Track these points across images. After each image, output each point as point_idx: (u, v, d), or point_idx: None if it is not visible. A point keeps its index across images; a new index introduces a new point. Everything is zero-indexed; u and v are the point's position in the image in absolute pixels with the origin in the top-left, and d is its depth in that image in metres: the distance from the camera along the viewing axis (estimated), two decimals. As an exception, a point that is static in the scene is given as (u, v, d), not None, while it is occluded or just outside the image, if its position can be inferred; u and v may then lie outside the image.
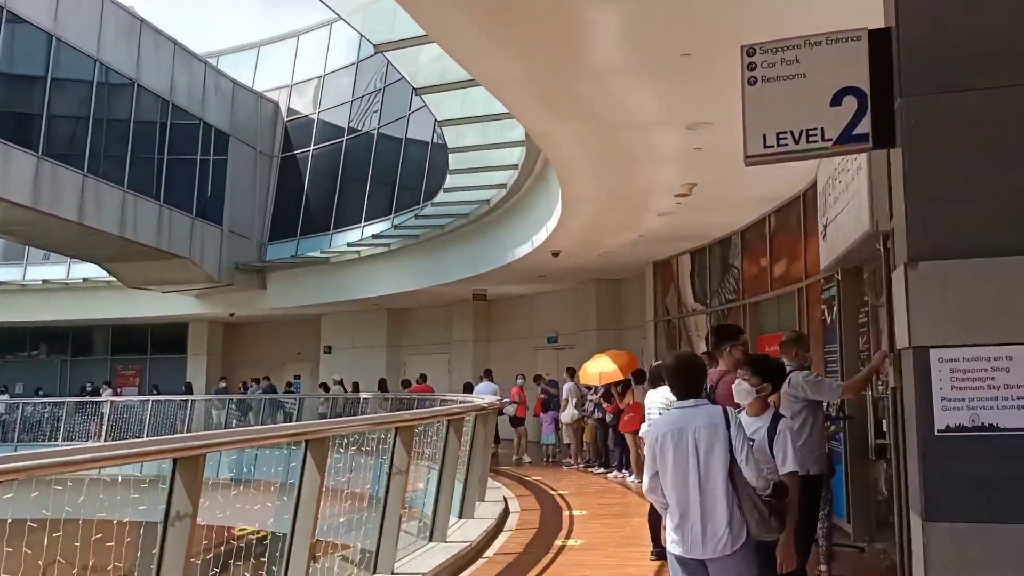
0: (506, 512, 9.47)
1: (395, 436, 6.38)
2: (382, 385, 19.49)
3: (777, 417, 4.25)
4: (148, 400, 21.85)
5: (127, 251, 19.03)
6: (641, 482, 11.29)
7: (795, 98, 3.52)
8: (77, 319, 25.06)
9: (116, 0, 18.15)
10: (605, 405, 13.22)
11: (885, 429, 6.66)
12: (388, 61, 10.69)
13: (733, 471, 3.62)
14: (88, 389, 24.30)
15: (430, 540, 7.32)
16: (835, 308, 8.02)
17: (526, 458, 15.90)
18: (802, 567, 4.50)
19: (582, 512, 9.67)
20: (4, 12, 15.16)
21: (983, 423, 2.94)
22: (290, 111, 23.75)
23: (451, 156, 12.70)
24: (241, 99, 22.47)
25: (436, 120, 11.17)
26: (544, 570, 6.82)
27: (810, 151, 3.54)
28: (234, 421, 20.68)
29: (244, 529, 5.59)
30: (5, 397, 23.26)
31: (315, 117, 23.25)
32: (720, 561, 3.60)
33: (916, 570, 3.09)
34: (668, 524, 3.78)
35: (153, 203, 19.15)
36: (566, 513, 9.66)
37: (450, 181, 13.99)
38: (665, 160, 8.37)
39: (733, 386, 4.38)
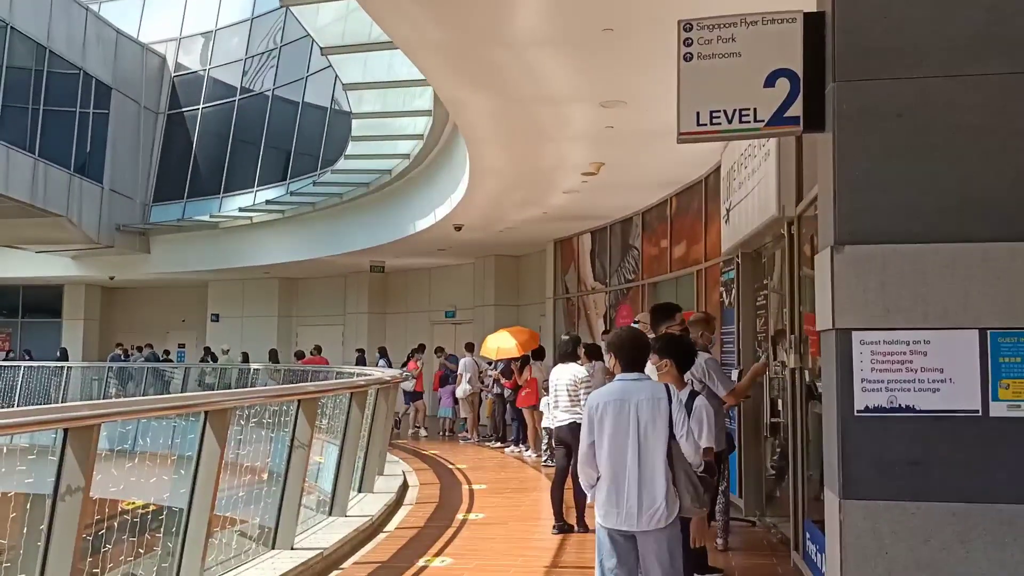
0: (405, 486, 9.40)
1: (298, 409, 6.17)
2: (273, 356, 18.94)
3: (694, 394, 4.31)
4: (19, 365, 20.50)
5: (-4, 206, 17.71)
6: (538, 457, 11.41)
7: (730, 77, 3.52)
8: (-63, 276, 23.28)
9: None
10: (504, 381, 13.26)
11: (780, 408, 6.91)
12: (286, 19, 10.26)
13: (671, 446, 3.66)
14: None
15: (330, 515, 7.17)
16: (733, 291, 8.24)
17: (423, 432, 15.83)
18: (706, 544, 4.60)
19: (481, 486, 9.68)
20: None
21: (900, 404, 3.04)
22: (178, 66, 22.58)
23: (354, 122, 12.36)
24: (125, 50, 21.18)
25: (343, 83, 10.81)
26: (447, 544, 6.77)
27: (742, 131, 3.56)
28: (113, 391, 19.65)
29: (134, 503, 5.29)
30: None
31: (205, 74, 22.18)
32: (653, 534, 3.63)
33: (831, 547, 3.18)
34: (599, 496, 3.76)
35: (27, 156, 17.87)
36: (465, 487, 9.64)
37: (352, 148, 13.63)
38: (576, 137, 8.36)
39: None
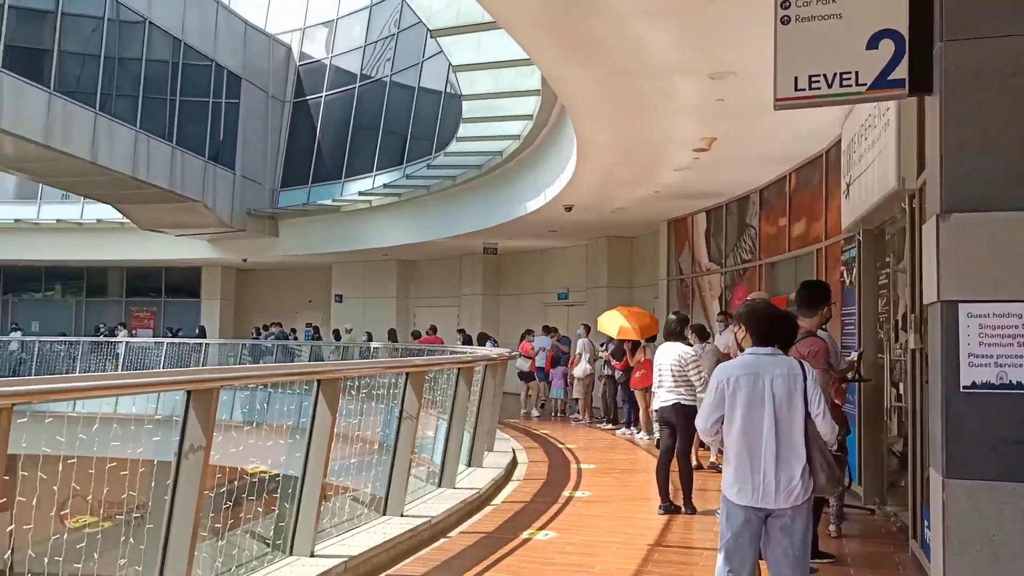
0: (514, 463, 9.53)
1: (406, 381, 6.38)
2: (392, 335, 19.56)
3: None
4: (163, 342, 22.00)
5: (140, 192, 18.97)
6: (650, 439, 11.33)
7: (830, 40, 3.41)
8: (91, 259, 25.16)
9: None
10: (614, 363, 13.20)
11: (901, 392, 6.61)
12: (403, 4, 10.50)
13: (807, 424, 3.58)
14: (102, 330, 24.47)
15: (439, 486, 7.38)
16: (855, 270, 7.92)
17: (534, 412, 15.97)
18: (814, 528, 4.48)
19: (590, 466, 9.71)
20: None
21: (1010, 381, 2.88)
22: (302, 55, 23.48)
23: (465, 104, 12.52)
24: (253, 41, 22.19)
25: (451, 65, 10.97)
26: (552, 519, 6.86)
27: (842, 95, 3.44)
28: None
29: (256, 468, 5.62)
30: (18, 334, 23.47)
31: (327, 62, 22.98)
32: (789, 512, 3.55)
33: (934, 526, 3.06)
34: (729, 472, 3.70)
35: (166, 144, 19.05)
36: (574, 466, 9.70)
37: (463, 130, 13.82)
38: (685, 111, 8.19)
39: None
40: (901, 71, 3.32)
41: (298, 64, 23.41)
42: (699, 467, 8.99)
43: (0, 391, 2.75)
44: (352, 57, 22.33)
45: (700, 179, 11.57)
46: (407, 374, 6.44)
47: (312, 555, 4.91)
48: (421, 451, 7.86)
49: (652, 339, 12.37)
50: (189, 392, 3.88)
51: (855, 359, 6.97)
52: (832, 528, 6.16)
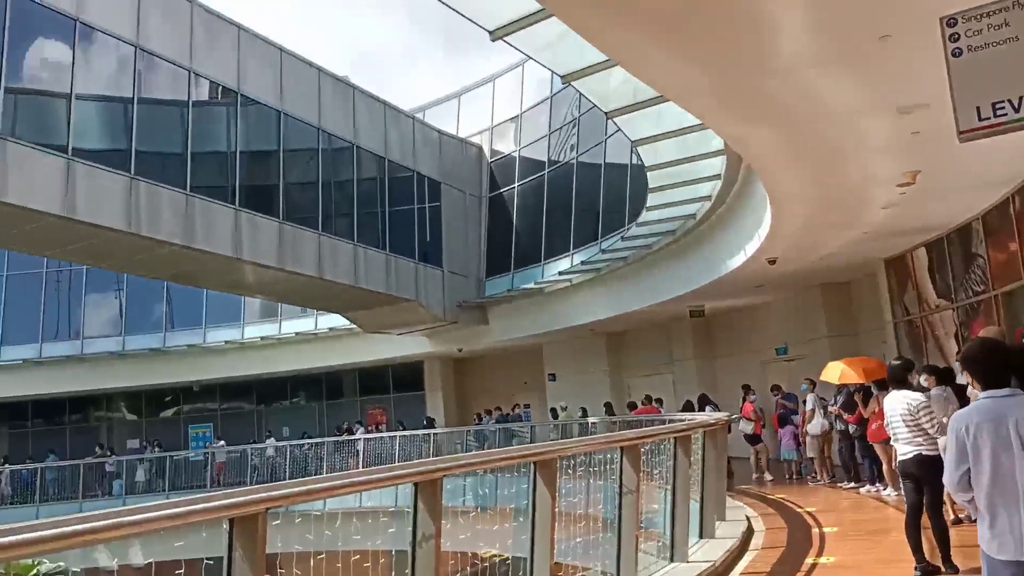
0: (750, 531, 9.17)
1: (621, 455, 6.42)
2: (608, 408, 19.62)
3: None
4: (395, 436, 23.41)
5: (363, 299, 20.70)
6: (899, 495, 10.52)
7: (1009, 64, 3.26)
8: (328, 365, 27.42)
9: (330, 72, 19.94)
10: (846, 416, 12.46)
11: None
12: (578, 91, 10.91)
13: None
14: (343, 428, 26.43)
15: (671, 560, 7.25)
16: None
17: (767, 476, 15.30)
18: None
19: (833, 529, 9.17)
20: (239, 96, 17.16)
21: None
22: (493, 152, 24.79)
23: (650, 174, 12.65)
24: (448, 147, 23.80)
25: (631, 141, 11.20)
26: (793, 590, 6.54)
27: (1034, 118, 3.25)
28: (473, 450, 21.63)
29: (488, 552, 5.86)
30: (272, 441, 25.86)
31: (516, 155, 24.10)
32: None
33: None
34: (984, 527, 3.43)
35: (380, 253, 20.69)
36: (815, 531, 9.18)
37: (652, 200, 13.93)
38: (878, 149, 7.86)
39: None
40: (1097, 82, 3.10)
41: (489, 161, 24.75)
42: (958, 521, 8.22)
43: (254, 498, 3.14)
44: (539, 146, 23.31)
45: (911, 214, 10.91)
46: (621, 448, 6.48)
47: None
48: (649, 525, 7.80)
49: (885, 386, 11.59)
50: (416, 484, 4.17)
51: None
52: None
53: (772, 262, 13.44)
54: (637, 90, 9.93)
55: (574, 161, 21.83)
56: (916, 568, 6.53)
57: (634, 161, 18.46)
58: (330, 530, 4.33)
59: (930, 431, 6.71)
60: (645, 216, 15.09)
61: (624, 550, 6.22)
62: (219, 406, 30.84)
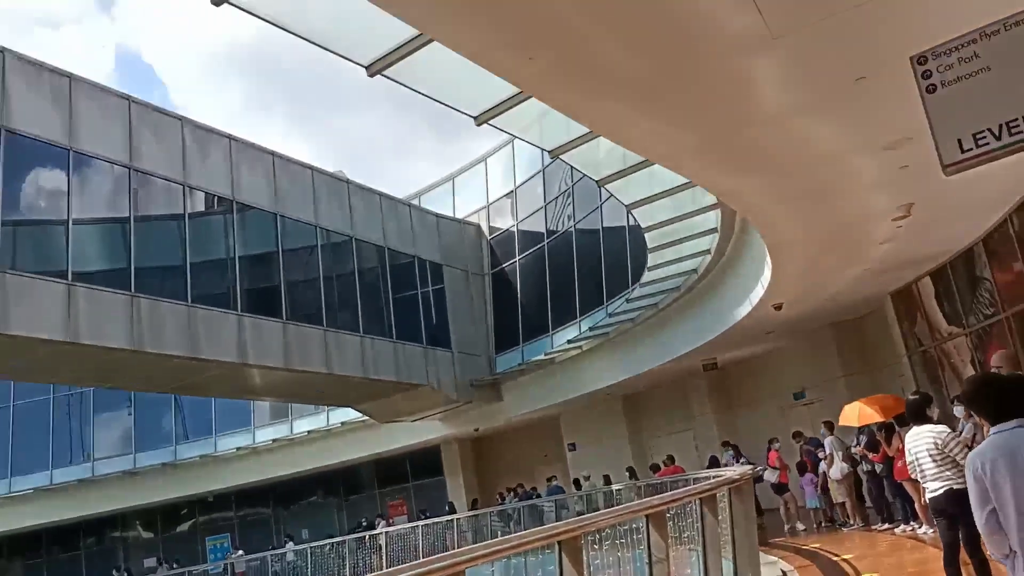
0: (787, 586, 8.91)
1: (647, 524, 6.26)
2: (632, 473, 19.29)
3: None
4: (417, 525, 22.96)
5: (373, 390, 20.57)
6: (935, 532, 10.25)
7: (984, 94, 3.29)
8: (343, 460, 27.10)
9: (323, 170, 20.28)
10: (871, 455, 12.24)
11: None
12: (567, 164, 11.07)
13: None
14: (364, 524, 25.94)
15: (712, 625, 7.01)
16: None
17: (799, 525, 14.95)
18: None
19: (874, 575, 8.88)
20: (235, 203, 17.42)
21: None
22: (491, 229, 25.02)
23: (647, 235, 12.73)
24: (446, 229, 24.03)
25: (624, 205, 11.30)
26: (841, 644, 6.29)
27: (1016, 144, 3.27)
28: (498, 532, 21.18)
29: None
30: (291, 545, 25.35)
31: (515, 229, 24.30)
32: None
33: None
34: (1019, 566, 3.32)
35: (387, 341, 20.66)
36: (854, 579, 8.93)
37: (652, 259, 13.98)
38: (870, 186, 7.91)
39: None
40: (1076, 102, 3.12)
41: (489, 238, 24.95)
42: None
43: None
44: (536, 218, 23.53)
45: (911, 245, 10.92)
46: (647, 517, 6.32)
47: None
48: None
49: (906, 424, 11.42)
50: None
51: None
52: None
53: (778, 308, 13.41)
54: (626, 155, 10.06)
55: (572, 229, 22.00)
56: (960, 607, 6.31)
57: (631, 223, 18.61)
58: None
59: (962, 462, 6.56)
60: (647, 276, 15.13)
61: (665, 621, 6.02)
62: (235, 514, 30.44)
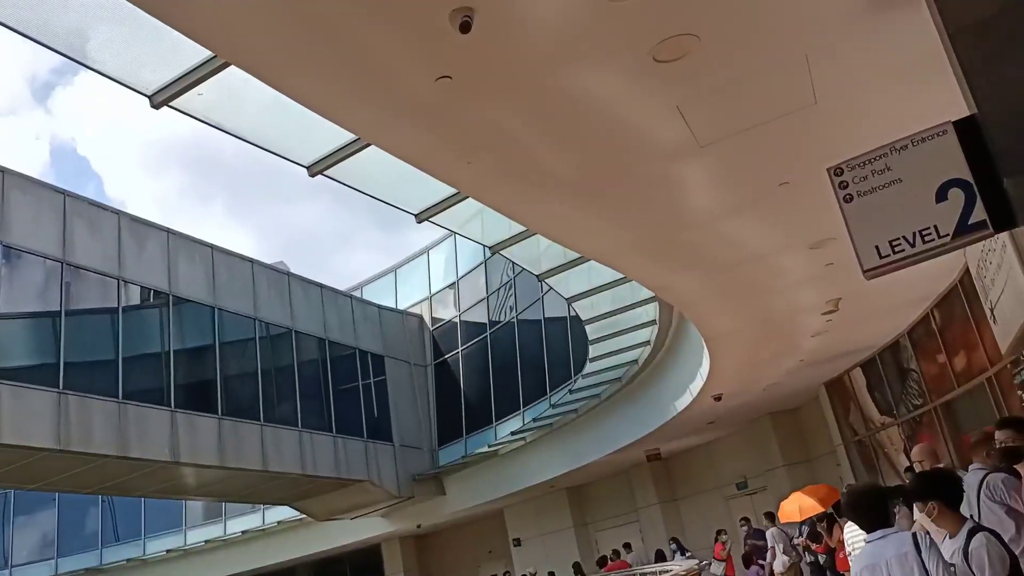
0: None
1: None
2: (577, 568, 18.90)
3: (973, 532, 3.71)
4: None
5: (312, 487, 19.93)
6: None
7: (897, 204, 3.48)
8: (279, 561, 25.99)
9: (263, 262, 20.13)
10: (814, 546, 12.26)
11: None
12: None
13: None
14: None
15: None
16: (1033, 391, 7.34)
17: (747, 618, 14.76)
18: None
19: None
20: (171, 297, 17.08)
21: None
22: (434, 320, 24.94)
23: (588, 327, 12.88)
24: (388, 320, 23.86)
25: (564, 298, 11.45)
26: None
27: (929, 250, 3.44)
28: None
29: None
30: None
31: (457, 320, 24.29)
32: None
33: None
34: None
35: (327, 436, 20.18)
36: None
37: (593, 351, 14.10)
38: (799, 283, 8.19)
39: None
40: (979, 213, 3.33)
41: (431, 329, 24.85)
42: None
43: None
44: (478, 309, 23.57)
45: (841, 338, 11.25)
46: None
47: None
48: None
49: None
50: None
51: None
52: None
53: (718, 399, 13.57)
54: (566, 251, 10.26)
55: (515, 320, 22.08)
56: None
57: (572, 314, 18.79)
58: None
59: None
60: (589, 367, 15.21)
61: None
62: (166, 621, 28.80)
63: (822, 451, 16.43)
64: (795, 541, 13.24)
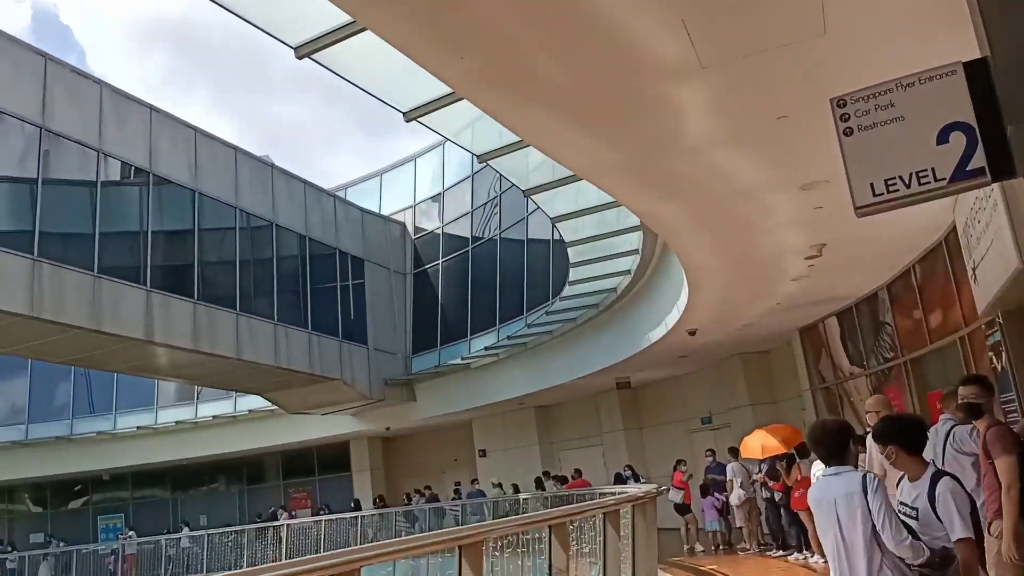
0: (680, 606, 9.01)
1: (550, 534, 6.24)
2: (539, 483, 19.36)
3: (937, 476, 3.77)
4: (320, 520, 22.56)
5: (284, 379, 20.09)
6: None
7: (897, 142, 3.37)
8: (248, 448, 26.43)
9: (247, 151, 19.75)
10: (771, 483, 12.55)
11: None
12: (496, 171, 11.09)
13: (876, 540, 3.53)
14: (261, 516, 25.34)
15: (599, 641, 7.03)
16: (1003, 353, 7.39)
17: (698, 547, 15.22)
18: None
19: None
20: (151, 176, 16.77)
21: None
22: (416, 229, 24.80)
23: (570, 250, 12.80)
24: (371, 224, 23.69)
25: (550, 218, 11.33)
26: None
27: (923, 193, 3.35)
28: (403, 532, 20.98)
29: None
30: (186, 531, 24.57)
31: (440, 232, 24.15)
32: None
33: None
34: None
35: (303, 332, 20.23)
36: (747, 603, 9.08)
37: (573, 274, 14.07)
38: (786, 224, 8.10)
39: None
40: (979, 160, 3.22)
41: (413, 238, 24.72)
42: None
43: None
44: (462, 223, 23.42)
45: (821, 285, 11.24)
46: (549, 527, 6.30)
47: None
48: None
49: (806, 455, 11.75)
50: (332, 576, 3.90)
51: None
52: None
53: (692, 333, 13.64)
54: (555, 168, 10.08)
55: (498, 237, 21.97)
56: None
57: (556, 236, 18.69)
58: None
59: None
60: (568, 290, 15.21)
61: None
62: (131, 495, 29.39)
63: (789, 395, 16.65)
64: (754, 477, 13.55)
